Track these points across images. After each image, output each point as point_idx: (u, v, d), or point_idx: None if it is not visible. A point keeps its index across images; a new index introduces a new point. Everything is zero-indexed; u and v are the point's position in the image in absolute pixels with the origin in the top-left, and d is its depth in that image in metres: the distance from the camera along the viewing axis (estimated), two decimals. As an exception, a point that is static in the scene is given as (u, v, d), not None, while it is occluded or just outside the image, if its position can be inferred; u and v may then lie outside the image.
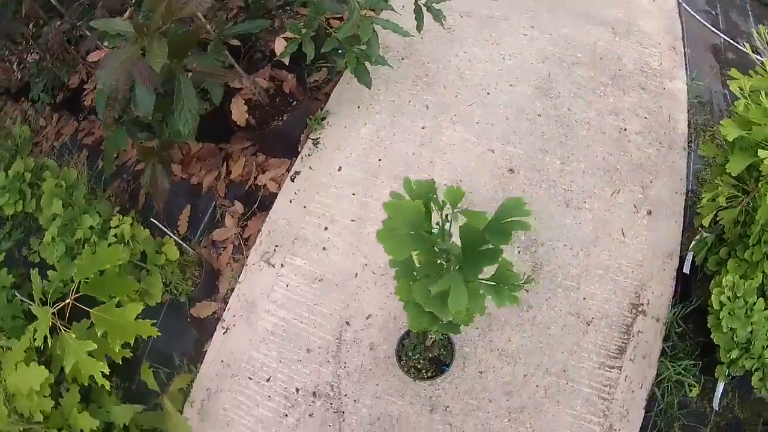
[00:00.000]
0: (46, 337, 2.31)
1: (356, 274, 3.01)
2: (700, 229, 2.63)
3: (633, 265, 2.88)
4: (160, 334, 2.50)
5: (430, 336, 2.49)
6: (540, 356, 2.72)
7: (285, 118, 3.27)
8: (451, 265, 1.57)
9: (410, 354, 2.64)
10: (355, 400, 2.75)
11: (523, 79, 3.46)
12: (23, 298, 2.49)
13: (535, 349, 2.73)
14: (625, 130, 3.24)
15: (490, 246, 1.54)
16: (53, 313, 2.36)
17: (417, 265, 1.68)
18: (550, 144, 3.22)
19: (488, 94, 3.42)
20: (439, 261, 1.61)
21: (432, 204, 1.55)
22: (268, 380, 2.87)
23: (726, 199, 2.37)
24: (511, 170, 3.16)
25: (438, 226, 1.57)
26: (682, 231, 2.96)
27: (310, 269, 3.08)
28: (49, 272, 2.62)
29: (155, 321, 2.44)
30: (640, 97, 3.36)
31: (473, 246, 1.56)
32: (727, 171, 2.28)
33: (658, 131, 3.23)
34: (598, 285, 2.84)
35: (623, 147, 3.19)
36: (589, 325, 2.76)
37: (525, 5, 3.79)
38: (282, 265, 3.12)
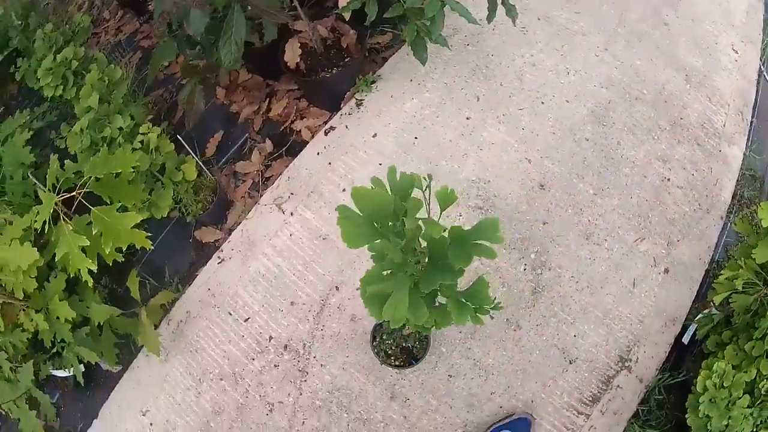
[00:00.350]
0: (46, 222, 2.37)
1: (359, 244, 2.99)
2: (711, 303, 2.53)
3: (633, 319, 2.79)
4: (153, 247, 2.56)
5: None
6: (512, 379, 2.68)
7: (335, 71, 3.22)
8: (415, 269, 1.52)
9: (384, 337, 2.63)
10: (322, 365, 2.77)
11: (581, 99, 3.31)
12: (36, 180, 2.54)
13: (510, 370, 2.70)
14: (668, 180, 3.09)
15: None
16: (58, 202, 2.42)
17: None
18: (589, 172, 3.10)
19: (542, 103, 3.30)
20: (408, 261, 1.55)
21: (403, 200, 1.48)
22: (246, 320, 2.92)
23: (743, 284, 2.26)
24: (542, 186, 3.07)
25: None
26: (694, 299, 2.85)
27: (317, 225, 3.07)
28: (67, 162, 2.67)
29: (151, 234, 2.49)
30: (694, 152, 3.19)
31: (437, 258, 1.50)
32: (753, 256, 2.17)
33: (701, 192, 3.08)
34: (592, 326, 2.77)
35: (661, 197, 3.05)
36: (571, 363, 2.70)
37: (607, 26, 3.60)
38: (291, 214, 3.12)
